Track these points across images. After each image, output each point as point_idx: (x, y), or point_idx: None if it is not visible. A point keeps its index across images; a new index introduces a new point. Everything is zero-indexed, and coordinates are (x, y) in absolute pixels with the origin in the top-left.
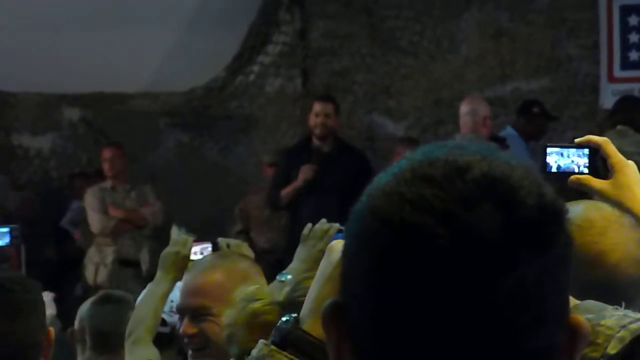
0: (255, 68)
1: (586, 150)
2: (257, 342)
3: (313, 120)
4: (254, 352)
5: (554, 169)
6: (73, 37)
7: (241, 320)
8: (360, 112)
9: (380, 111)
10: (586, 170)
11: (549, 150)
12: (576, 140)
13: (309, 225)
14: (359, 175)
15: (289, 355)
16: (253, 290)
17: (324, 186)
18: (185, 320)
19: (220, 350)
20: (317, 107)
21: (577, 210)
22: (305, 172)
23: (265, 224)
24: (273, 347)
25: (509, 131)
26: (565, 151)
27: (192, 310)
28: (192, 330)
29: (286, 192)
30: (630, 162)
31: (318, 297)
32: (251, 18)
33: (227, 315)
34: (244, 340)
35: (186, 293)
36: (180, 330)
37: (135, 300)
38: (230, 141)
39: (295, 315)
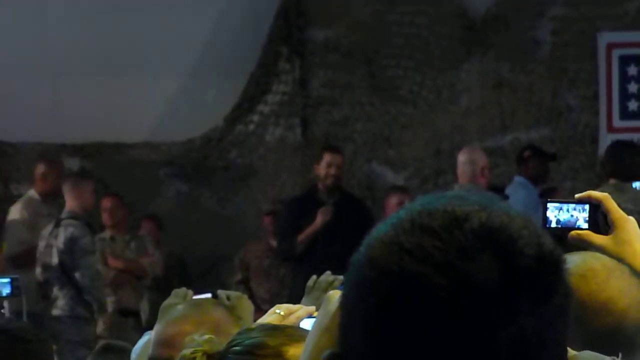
0: (255, 117)
1: (586, 206)
2: None
3: (324, 171)
4: None
5: (553, 224)
6: (73, 87)
7: None
8: (360, 162)
9: (380, 161)
10: (586, 226)
11: (549, 205)
12: (577, 195)
13: (314, 277)
14: (364, 227)
15: None
16: (200, 338)
17: (331, 237)
18: None
19: None
20: (329, 157)
21: (576, 260)
22: (324, 214)
23: (264, 274)
24: None
25: (518, 180)
26: (565, 206)
27: None
28: None
29: (303, 237)
30: (631, 218)
31: (314, 349)
32: (251, 68)
33: None
34: None
35: (155, 343)
36: None
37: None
38: (229, 191)
39: None
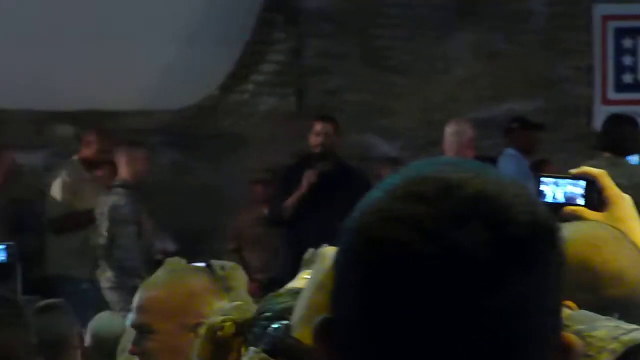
0: (250, 87)
1: (582, 182)
2: (211, 356)
3: (314, 139)
4: (245, 359)
5: (549, 199)
6: (66, 53)
7: (200, 334)
8: (353, 132)
9: (373, 131)
10: (581, 202)
11: (543, 180)
12: (572, 171)
13: (311, 250)
14: (359, 195)
15: None
16: (228, 307)
17: (324, 205)
18: (133, 339)
19: None
20: (318, 126)
21: (583, 229)
22: (309, 177)
23: (257, 243)
24: (264, 354)
25: (509, 152)
26: (560, 181)
27: (136, 328)
28: (135, 349)
29: (290, 201)
30: (626, 196)
31: (310, 306)
32: (246, 37)
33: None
34: (200, 354)
35: (134, 310)
36: (128, 350)
37: None
38: (223, 160)
39: (287, 322)
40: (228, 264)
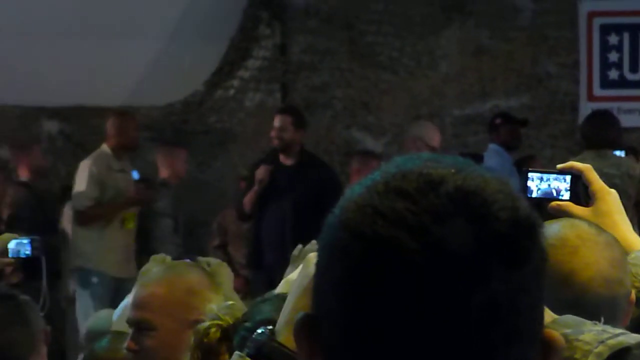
0: (235, 82)
1: (568, 176)
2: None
3: (273, 133)
4: None
5: (534, 194)
6: (52, 50)
7: (191, 338)
8: (339, 127)
9: (359, 126)
10: (567, 196)
11: (530, 174)
12: (558, 166)
13: (299, 246)
14: (325, 188)
15: None
16: (222, 305)
17: (286, 199)
18: (130, 335)
19: None
20: (275, 120)
21: (552, 228)
22: (259, 173)
23: (242, 238)
24: (248, 359)
25: (492, 147)
26: (546, 176)
27: (135, 324)
28: (133, 346)
29: (247, 198)
30: (612, 191)
31: (294, 309)
32: (231, 33)
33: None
34: (190, 358)
35: (131, 306)
36: (125, 346)
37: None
38: (208, 156)
39: (271, 327)
40: (213, 260)
